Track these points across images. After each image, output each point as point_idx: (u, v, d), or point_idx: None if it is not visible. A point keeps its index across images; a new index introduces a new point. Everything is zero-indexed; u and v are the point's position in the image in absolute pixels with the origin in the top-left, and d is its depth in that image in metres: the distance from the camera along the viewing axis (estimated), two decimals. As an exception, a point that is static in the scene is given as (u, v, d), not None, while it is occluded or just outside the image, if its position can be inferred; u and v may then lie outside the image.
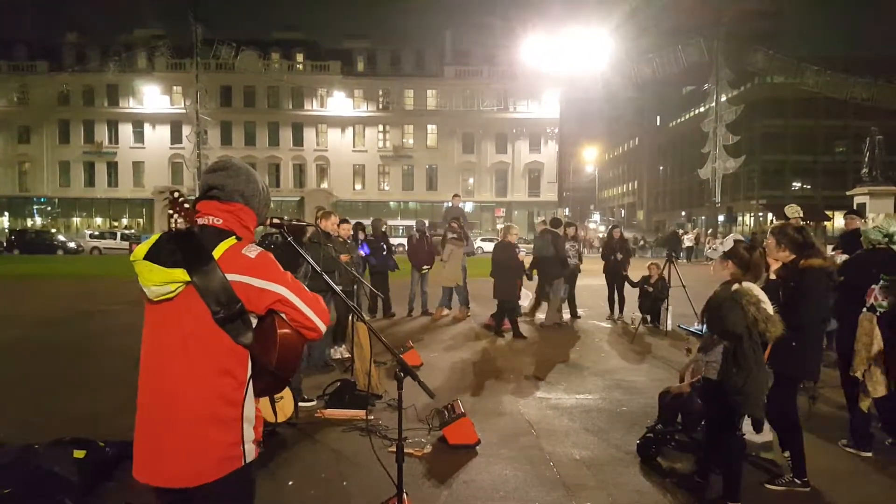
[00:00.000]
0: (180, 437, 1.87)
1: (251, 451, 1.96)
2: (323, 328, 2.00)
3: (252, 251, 1.94)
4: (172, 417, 1.88)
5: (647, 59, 38.33)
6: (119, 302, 12.99)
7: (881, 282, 4.65)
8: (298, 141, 53.09)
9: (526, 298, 10.84)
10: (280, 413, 4.83)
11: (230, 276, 1.87)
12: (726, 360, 3.59)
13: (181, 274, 1.86)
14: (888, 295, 4.61)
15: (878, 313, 4.62)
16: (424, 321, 11.10)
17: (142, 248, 1.93)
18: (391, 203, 53.76)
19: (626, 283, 11.42)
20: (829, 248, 7.86)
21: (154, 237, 1.96)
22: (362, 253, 10.47)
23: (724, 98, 41.71)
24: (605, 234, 17.67)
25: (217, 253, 1.90)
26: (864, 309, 4.67)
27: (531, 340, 9.42)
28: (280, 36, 54.37)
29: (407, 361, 7.28)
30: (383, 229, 12.48)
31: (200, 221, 2.01)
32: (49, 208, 53.20)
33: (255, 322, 1.95)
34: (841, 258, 6.12)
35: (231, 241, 1.95)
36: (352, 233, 9.29)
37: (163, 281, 1.87)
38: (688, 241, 35.05)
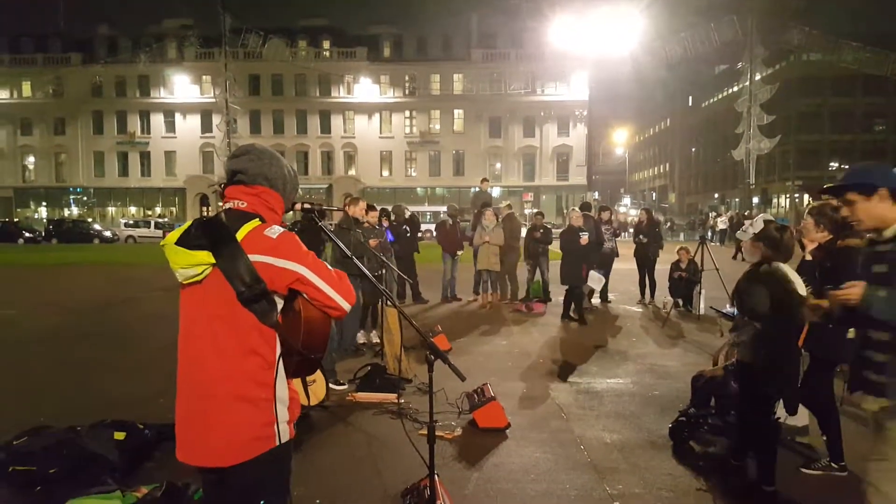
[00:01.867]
0: (213, 418, 1.91)
1: (286, 432, 1.99)
2: (346, 307, 2.01)
3: (274, 232, 1.96)
4: (205, 398, 1.93)
5: (679, 39, 37.41)
6: (155, 289, 13.30)
7: None
8: (326, 128, 53.35)
9: (599, 283, 10.79)
10: (313, 396, 4.91)
11: (253, 257, 1.90)
12: (756, 340, 3.54)
13: (206, 256, 1.91)
14: None
15: None
16: (454, 307, 11.13)
17: (173, 235, 1.99)
18: (418, 189, 53.79)
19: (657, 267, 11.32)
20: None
21: (187, 224, 2.02)
22: (387, 238, 10.49)
23: (758, 77, 40.51)
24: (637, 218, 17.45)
25: (240, 235, 1.93)
26: None
27: (562, 325, 9.38)
28: (306, 23, 54.49)
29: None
30: (407, 215, 12.52)
31: (227, 206, 2.06)
32: (85, 198, 54.50)
33: (281, 303, 1.98)
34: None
35: (255, 223, 1.98)
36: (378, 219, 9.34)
37: (188, 263, 1.92)
38: (721, 223, 34.38)
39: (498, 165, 53.77)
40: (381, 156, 53.88)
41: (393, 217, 11.66)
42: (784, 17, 38.98)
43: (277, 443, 1.96)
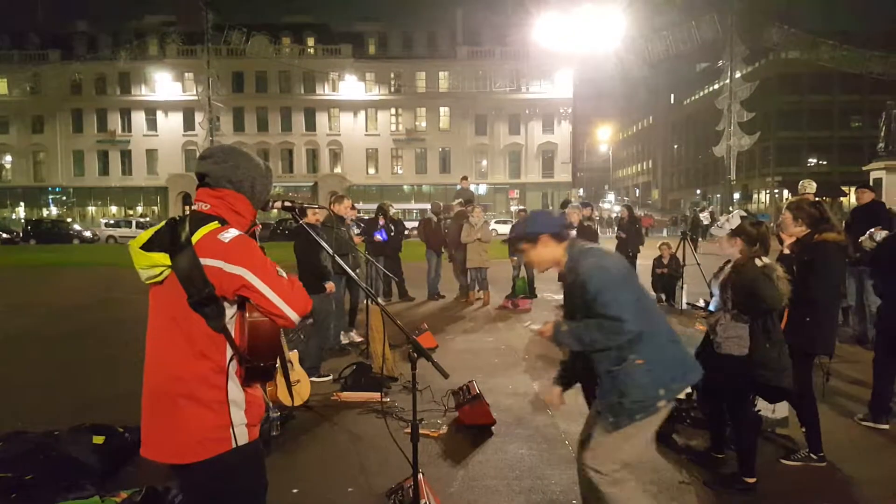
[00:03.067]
0: (169, 415, 1.94)
1: (242, 435, 1.97)
2: (293, 316, 1.94)
3: (227, 236, 1.93)
4: (162, 396, 1.96)
5: (661, 37, 37.67)
6: (135, 290, 13.09)
7: None
8: (311, 126, 53.05)
9: None
10: (297, 397, 4.88)
11: (204, 261, 1.89)
12: (756, 336, 3.59)
13: (162, 258, 1.93)
14: None
15: None
16: (440, 304, 11.14)
17: (142, 236, 2.01)
18: (405, 187, 53.71)
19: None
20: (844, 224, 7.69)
21: (158, 225, 2.04)
22: (380, 238, 10.46)
23: (738, 74, 40.93)
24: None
25: (196, 237, 1.93)
26: None
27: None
28: (291, 20, 54.15)
29: (422, 344, 7.32)
30: (392, 212, 12.49)
31: (193, 207, 2.08)
32: (64, 198, 53.72)
33: (234, 308, 1.97)
34: (881, 234, 5.95)
35: (212, 225, 1.96)
36: (360, 216, 9.32)
37: (146, 264, 1.95)
38: (704, 218, 34.75)
39: (484, 163, 53.86)
40: (367, 153, 53.70)
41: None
42: (763, 16, 39.44)
43: (234, 445, 1.95)
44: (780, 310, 3.63)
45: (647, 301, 2.84)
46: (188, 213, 2.08)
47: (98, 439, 4.00)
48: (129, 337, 8.32)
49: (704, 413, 4.54)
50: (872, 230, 6.23)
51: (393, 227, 11.57)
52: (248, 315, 1.95)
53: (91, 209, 53.97)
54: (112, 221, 44.06)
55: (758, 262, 3.61)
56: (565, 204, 11.19)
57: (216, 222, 1.98)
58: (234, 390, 1.97)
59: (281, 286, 1.94)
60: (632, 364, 2.67)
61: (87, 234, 39.65)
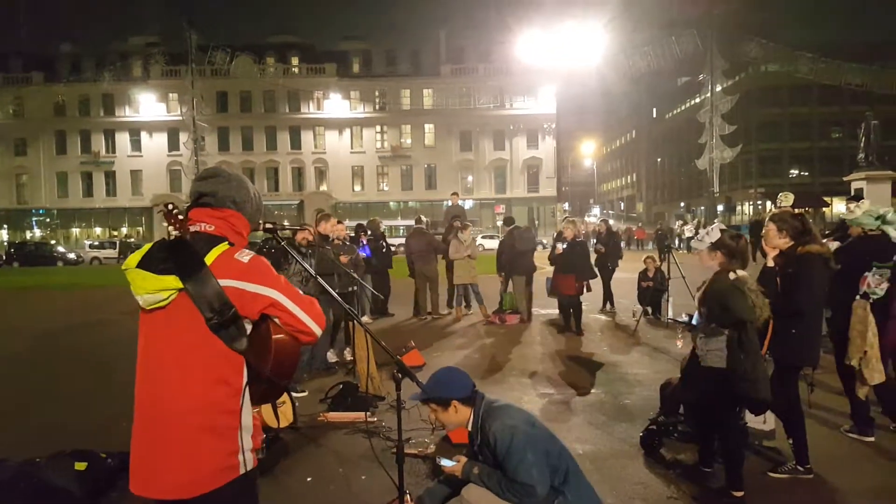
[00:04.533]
0: (176, 448, 1.85)
1: (250, 460, 1.94)
2: (318, 332, 1.99)
3: (245, 256, 1.93)
4: (168, 427, 1.86)
5: (642, 52, 38.27)
6: (120, 312, 12.98)
7: (874, 269, 4.65)
8: (296, 144, 53.07)
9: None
10: (282, 418, 4.83)
11: (223, 282, 1.86)
12: (732, 347, 3.61)
13: (173, 281, 1.86)
14: (881, 282, 4.61)
15: (871, 300, 4.63)
16: (428, 320, 11.09)
17: (134, 257, 1.92)
18: (391, 203, 53.76)
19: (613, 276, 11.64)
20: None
21: (147, 246, 1.96)
22: (364, 255, 10.46)
23: (719, 88, 41.63)
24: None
25: (209, 259, 1.90)
26: (858, 296, 4.67)
27: (535, 336, 9.42)
28: (275, 39, 54.39)
29: (409, 362, 7.30)
30: (382, 229, 12.52)
31: (193, 229, 2.01)
32: (48, 220, 53.24)
33: (249, 328, 1.93)
34: (833, 245, 6.09)
35: (223, 246, 1.95)
36: (349, 234, 9.29)
37: (156, 288, 1.86)
38: (688, 231, 35.01)
39: (470, 178, 54.09)
40: (353, 171, 53.77)
41: (369, 232, 11.63)
42: (742, 30, 40.21)
43: (243, 471, 1.91)
44: (758, 322, 3.64)
45: (554, 448, 2.95)
46: (188, 233, 2.01)
47: (80, 466, 3.91)
48: (112, 361, 8.22)
49: (691, 427, 4.55)
50: (825, 241, 6.41)
51: (385, 244, 11.59)
52: (273, 334, 1.92)
53: (75, 231, 53.50)
54: (96, 243, 43.69)
55: (731, 274, 3.65)
56: (509, 221, 11.34)
57: (226, 243, 1.96)
58: (247, 415, 1.94)
59: (304, 303, 1.96)
60: None
61: (72, 255, 39.23)
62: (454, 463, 3.01)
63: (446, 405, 2.96)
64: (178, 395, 1.86)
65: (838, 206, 43.30)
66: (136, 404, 1.95)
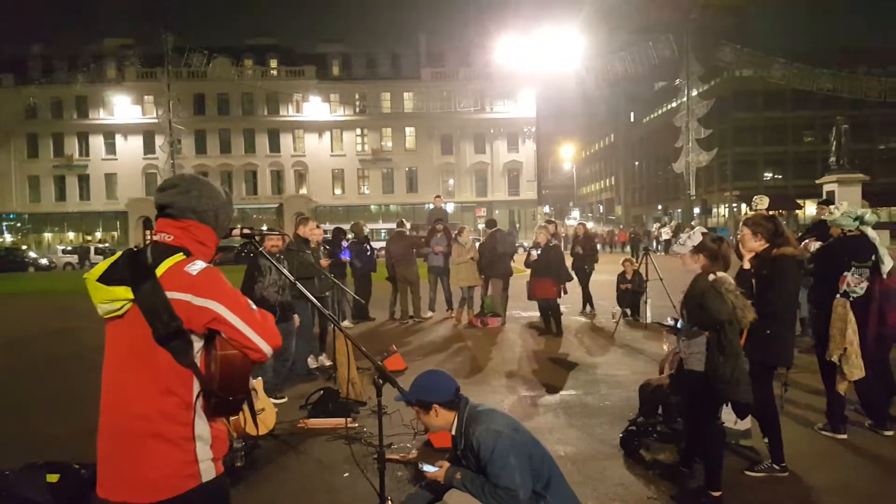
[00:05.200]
0: (132, 454, 1.87)
1: (209, 469, 1.93)
2: (267, 349, 1.91)
3: (195, 268, 1.89)
4: (125, 435, 1.89)
5: (620, 57, 38.73)
6: (92, 319, 12.71)
7: (853, 269, 4.76)
8: (275, 147, 52.65)
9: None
10: (262, 425, 4.78)
11: (171, 294, 1.84)
12: (712, 349, 3.64)
13: (124, 291, 1.87)
14: (861, 281, 4.72)
15: (851, 299, 4.73)
16: (410, 324, 11.07)
17: (98, 268, 1.95)
18: (372, 207, 53.56)
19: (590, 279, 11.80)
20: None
21: (116, 255, 1.97)
22: (345, 258, 10.41)
23: (694, 93, 42.24)
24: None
25: (160, 270, 1.88)
26: (838, 295, 4.78)
27: (516, 339, 9.45)
28: (253, 42, 53.92)
29: (390, 366, 7.27)
30: (366, 233, 12.48)
31: (155, 238, 2.02)
32: (19, 224, 52.08)
33: (200, 342, 1.91)
34: (814, 245, 6.24)
35: (177, 257, 1.92)
36: (325, 236, 9.24)
37: (106, 298, 1.89)
38: (665, 234, 35.46)
39: (451, 182, 54.13)
40: (333, 174, 53.49)
41: (352, 235, 11.58)
42: (717, 36, 40.88)
43: (201, 481, 1.91)
44: (742, 324, 3.67)
45: (537, 453, 2.98)
46: (149, 243, 2.00)
47: (52, 478, 3.82)
48: (86, 369, 8.06)
49: (671, 428, 4.59)
50: (807, 241, 6.59)
51: (369, 247, 11.54)
52: (218, 349, 1.88)
53: (47, 236, 52.41)
54: (69, 248, 42.82)
55: (711, 276, 3.70)
56: (491, 224, 11.55)
57: (181, 254, 1.94)
58: (201, 426, 1.92)
59: (253, 319, 1.90)
60: None
61: (44, 261, 38.40)
62: (436, 468, 3.00)
63: (427, 408, 2.97)
64: (132, 401, 1.88)
65: (811, 209, 44.12)
66: (101, 410, 1.97)
